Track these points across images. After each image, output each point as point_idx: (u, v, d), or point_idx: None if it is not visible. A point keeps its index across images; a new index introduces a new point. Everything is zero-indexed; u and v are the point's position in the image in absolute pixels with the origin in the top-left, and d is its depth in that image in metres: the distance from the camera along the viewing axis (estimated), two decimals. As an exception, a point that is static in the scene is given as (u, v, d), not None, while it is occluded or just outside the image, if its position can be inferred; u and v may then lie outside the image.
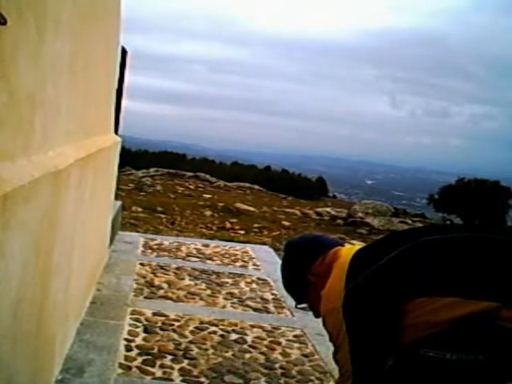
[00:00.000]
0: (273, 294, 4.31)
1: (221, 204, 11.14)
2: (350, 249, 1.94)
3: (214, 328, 3.45)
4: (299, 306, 2.11)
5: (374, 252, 1.81)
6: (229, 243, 6.37)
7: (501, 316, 1.56)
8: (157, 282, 4.27)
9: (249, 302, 4.04)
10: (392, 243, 1.79)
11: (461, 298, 1.59)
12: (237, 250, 5.80)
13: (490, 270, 1.64)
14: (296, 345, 3.35)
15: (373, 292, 1.71)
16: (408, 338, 1.64)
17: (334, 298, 1.77)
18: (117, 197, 5.40)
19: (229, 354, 3.09)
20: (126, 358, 2.88)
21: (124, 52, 5.21)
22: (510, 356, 1.57)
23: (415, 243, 1.75)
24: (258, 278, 4.74)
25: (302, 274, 1.99)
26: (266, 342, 3.33)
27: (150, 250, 5.30)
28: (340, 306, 1.73)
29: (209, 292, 4.18)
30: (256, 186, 17.19)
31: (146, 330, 3.27)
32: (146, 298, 3.87)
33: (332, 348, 1.84)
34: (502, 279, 1.61)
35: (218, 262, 5.21)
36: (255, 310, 3.92)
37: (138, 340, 3.13)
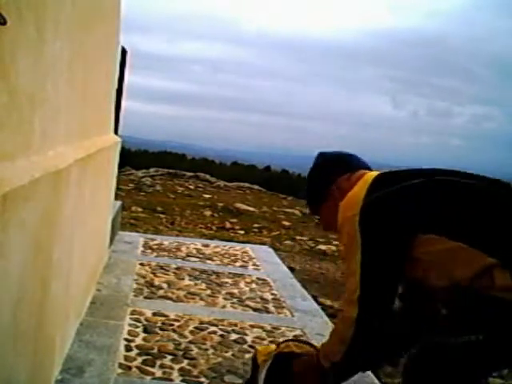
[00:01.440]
0: (272, 294, 4.31)
1: (221, 204, 11.13)
2: (376, 172, 1.99)
3: (213, 328, 3.45)
4: (315, 217, 2.19)
5: (399, 176, 1.87)
6: (229, 243, 6.37)
7: (496, 283, 1.58)
8: (157, 282, 4.27)
9: (249, 302, 4.05)
10: (419, 174, 1.85)
11: (467, 245, 1.62)
12: (237, 250, 5.80)
13: (498, 225, 1.68)
14: (296, 345, 3.35)
15: (389, 208, 1.76)
16: (418, 273, 1.68)
17: (353, 206, 1.80)
18: (117, 197, 5.40)
19: (229, 354, 3.09)
20: (126, 358, 2.88)
21: (124, 52, 5.21)
22: (507, 330, 1.59)
23: (439, 179, 1.81)
24: (258, 278, 4.74)
25: (328, 184, 2.01)
26: (265, 342, 3.33)
27: (149, 250, 5.30)
28: (357, 213, 1.77)
29: (209, 292, 4.18)
30: (256, 186, 17.17)
31: (145, 330, 3.27)
32: (145, 298, 3.87)
33: None
34: (506, 237, 1.64)
35: (218, 262, 5.20)
36: (255, 310, 3.92)
37: (138, 340, 3.13)
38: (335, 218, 1.92)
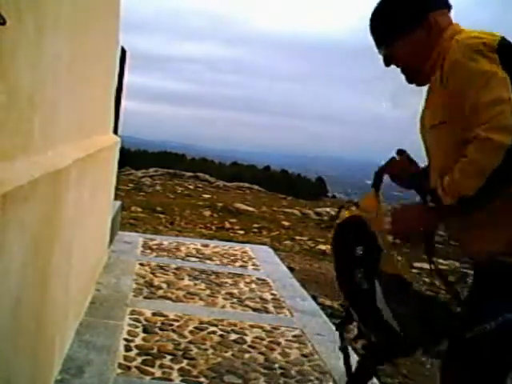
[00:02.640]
0: (272, 294, 4.31)
1: (220, 204, 11.13)
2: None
3: (213, 328, 3.45)
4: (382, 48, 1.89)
5: None
6: (228, 243, 6.37)
7: None
8: (156, 282, 4.27)
9: (248, 302, 4.05)
10: None
11: None
12: (236, 250, 5.80)
13: None
14: (295, 345, 3.35)
15: None
16: None
17: (480, 41, 1.63)
18: (116, 197, 5.40)
19: (228, 354, 3.09)
20: (126, 358, 2.88)
21: (123, 52, 5.22)
22: None
23: None
24: (258, 278, 4.74)
25: (424, 10, 1.81)
26: (265, 342, 3.33)
27: (149, 250, 5.30)
28: (493, 46, 1.61)
29: (208, 292, 4.18)
30: (255, 186, 17.17)
31: (145, 330, 3.27)
32: (145, 298, 3.87)
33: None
34: None
35: (218, 262, 5.21)
36: (254, 310, 3.92)
37: (138, 340, 3.13)
38: (426, 49, 1.79)
